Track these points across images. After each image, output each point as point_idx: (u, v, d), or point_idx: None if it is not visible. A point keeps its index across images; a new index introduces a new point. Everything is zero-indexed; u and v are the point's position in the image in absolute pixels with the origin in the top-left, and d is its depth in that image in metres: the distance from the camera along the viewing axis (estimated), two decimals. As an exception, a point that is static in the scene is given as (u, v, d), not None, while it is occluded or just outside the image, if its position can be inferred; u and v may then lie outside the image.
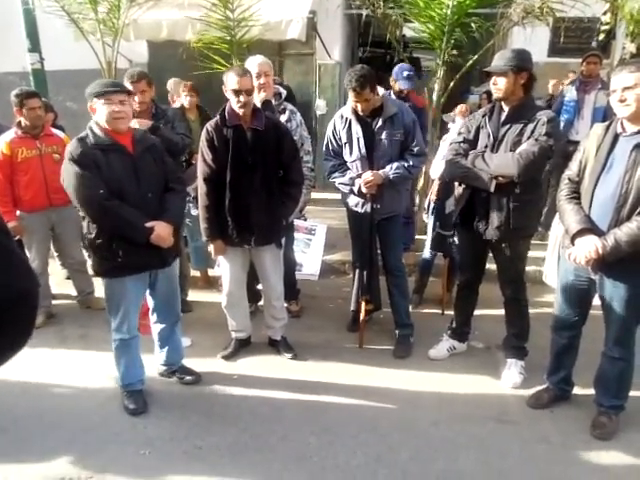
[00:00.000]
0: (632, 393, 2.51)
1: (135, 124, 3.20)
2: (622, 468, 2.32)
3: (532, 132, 2.58)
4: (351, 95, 2.90)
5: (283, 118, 3.29)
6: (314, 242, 4.45)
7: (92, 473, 2.30)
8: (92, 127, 2.46)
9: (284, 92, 3.47)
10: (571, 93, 4.75)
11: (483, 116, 2.75)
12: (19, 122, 3.48)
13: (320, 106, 6.71)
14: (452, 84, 4.72)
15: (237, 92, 2.67)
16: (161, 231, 2.48)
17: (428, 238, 3.84)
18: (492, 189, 2.66)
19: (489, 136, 2.70)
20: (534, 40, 4.84)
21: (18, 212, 3.53)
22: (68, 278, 4.16)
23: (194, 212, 3.73)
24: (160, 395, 2.85)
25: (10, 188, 3.46)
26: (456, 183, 3.23)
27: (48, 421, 2.64)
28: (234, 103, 2.72)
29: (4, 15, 5.96)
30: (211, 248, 2.99)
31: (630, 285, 2.30)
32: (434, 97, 4.72)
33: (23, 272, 0.48)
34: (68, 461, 2.36)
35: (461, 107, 4.04)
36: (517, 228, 2.69)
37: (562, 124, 4.40)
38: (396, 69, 4.25)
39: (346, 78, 2.90)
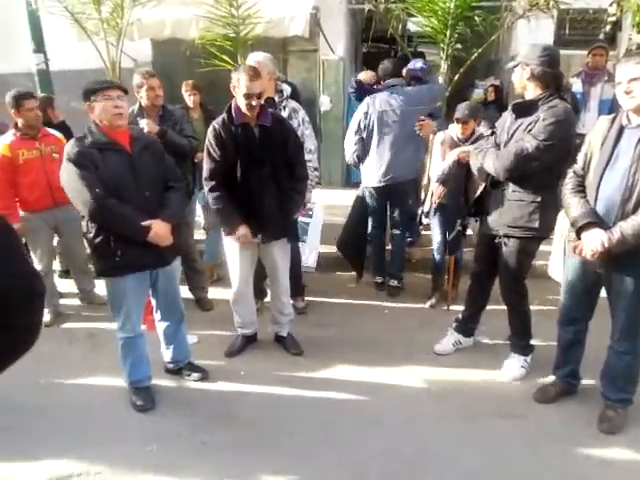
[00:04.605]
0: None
1: (144, 126, 3.22)
2: (629, 462, 2.31)
3: (530, 131, 2.55)
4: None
5: (283, 115, 3.29)
6: (312, 226, 4.22)
7: (101, 469, 2.33)
8: (90, 127, 2.48)
9: (287, 89, 3.46)
10: (577, 85, 4.71)
11: (510, 111, 2.73)
12: (15, 124, 3.47)
13: (324, 102, 6.69)
14: (456, 78, 4.69)
15: (248, 96, 2.67)
16: (158, 229, 2.49)
17: (435, 241, 3.82)
18: (488, 184, 2.71)
19: (506, 132, 2.69)
20: (539, 32, 4.81)
21: (23, 213, 3.54)
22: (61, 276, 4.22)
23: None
24: (167, 392, 2.87)
25: (12, 190, 3.47)
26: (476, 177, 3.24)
27: (57, 418, 2.67)
28: (243, 105, 2.71)
29: (9, 16, 5.99)
30: (236, 238, 2.87)
31: (636, 278, 2.28)
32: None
33: (25, 268, 0.47)
34: (77, 457, 2.39)
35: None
36: (511, 226, 2.68)
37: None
38: (409, 65, 4.28)
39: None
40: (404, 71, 4.13)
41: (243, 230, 2.84)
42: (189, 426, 2.59)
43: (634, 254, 2.20)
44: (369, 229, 4.13)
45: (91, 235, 2.51)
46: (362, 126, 3.82)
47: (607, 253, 2.21)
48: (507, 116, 2.74)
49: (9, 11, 5.87)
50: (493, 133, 2.82)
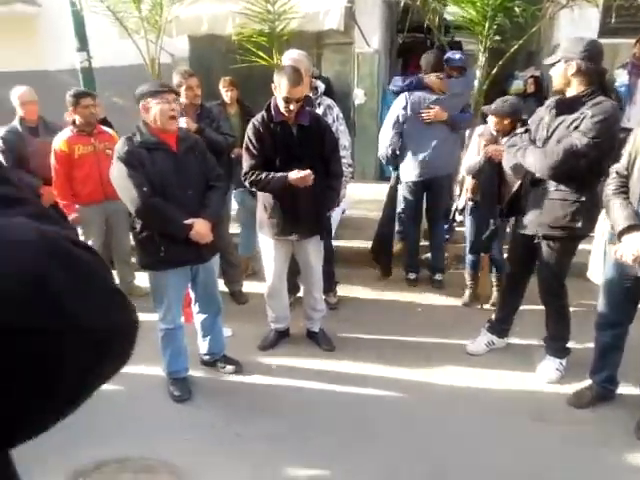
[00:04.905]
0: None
1: (182, 124, 3.30)
2: (668, 471, 2.25)
3: (575, 128, 2.47)
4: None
5: (318, 112, 3.30)
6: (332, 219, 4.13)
7: (139, 457, 2.44)
8: (140, 127, 2.57)
9: (322, 86, 3.46)
10: (622, 77, 4.52)
11: (547, 107, 2.67)
12: (73, 121, 3.65)
13: (358, 95, 6.65)
14: (495, 70, 4.58)
15: (287, 100, 2.69)
16: (200, 228, 2.57)
17: (468, 240, 3.77)
18: (527, 183, 2.63)
19: (544, 129, 2.62)
20: (583, 20, 4.63)
21: (77, 206, 3.72)
22: None
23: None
24: (202, 383, 2.97)
25: (69, 183, 3.67)
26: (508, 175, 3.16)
27: (96, 405, 2.76)
28: (282, 107, 2.74)
29: (54, 16, 6.23)
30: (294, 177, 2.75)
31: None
32: (476, 84, 4.59)
33: (125, 304, 0.49)
34: (115, 444, 2.49)
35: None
36: (553, 226, 2.61)
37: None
38: (448, 55, 4.18)
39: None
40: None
41: (294, 174, 2.74)
42: (223, 417, 2.67)
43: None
44: (402, 225, 4.13)
45: (137, 230, 2.64)
46: (401, 120, 3.80)
47: (649, 257, 2.14)
48: (544, 113, 2.66)
49: (54, 11, 6.10)
50: (527, 130, 2.74)
